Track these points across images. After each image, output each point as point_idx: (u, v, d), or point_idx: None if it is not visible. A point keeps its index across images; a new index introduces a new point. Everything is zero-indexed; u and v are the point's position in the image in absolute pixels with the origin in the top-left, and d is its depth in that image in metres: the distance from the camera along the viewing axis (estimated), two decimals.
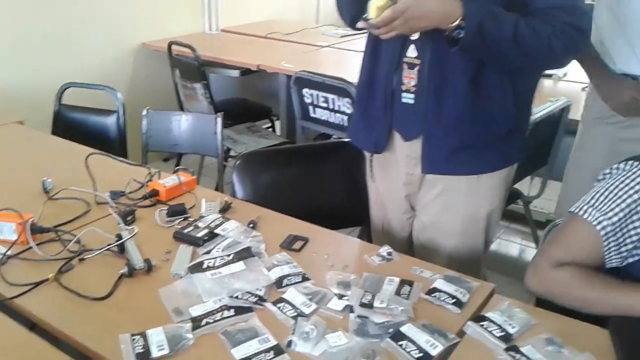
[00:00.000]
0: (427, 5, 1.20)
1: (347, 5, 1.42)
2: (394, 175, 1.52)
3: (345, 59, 3.35)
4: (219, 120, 2.29)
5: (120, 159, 1.73)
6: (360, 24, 1.25)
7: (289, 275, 1.22)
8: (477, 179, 1.44)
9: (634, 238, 1.10)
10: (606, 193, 1.13)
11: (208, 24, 4.12)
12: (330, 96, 2.62)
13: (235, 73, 3.35)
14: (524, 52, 1.25)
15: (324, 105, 2.67)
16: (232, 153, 3.22)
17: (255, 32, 4.00)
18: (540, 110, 2.12)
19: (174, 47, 3.27)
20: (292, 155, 1.80)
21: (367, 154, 1.58)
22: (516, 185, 2.39)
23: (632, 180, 1.11)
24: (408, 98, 1.40)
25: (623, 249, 1.11)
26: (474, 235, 1.50)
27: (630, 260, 1.12)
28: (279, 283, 1.20)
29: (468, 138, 1.38)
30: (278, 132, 3.56)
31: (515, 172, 2.13)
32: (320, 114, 2.72)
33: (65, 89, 2.54)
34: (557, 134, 2.31)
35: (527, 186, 2.80)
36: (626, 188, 1.11)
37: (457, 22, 1.20)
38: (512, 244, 3.01)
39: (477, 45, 1.23)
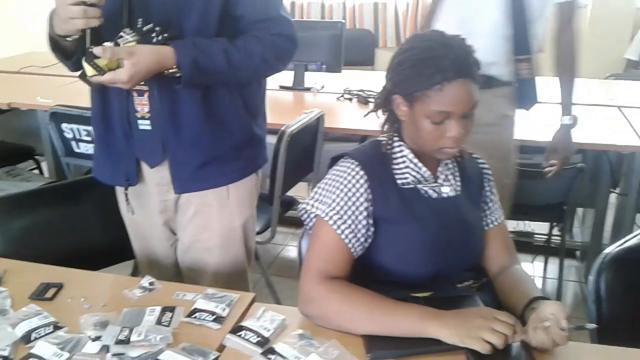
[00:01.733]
0: (145, 66, 1.25)
1: (65, 62, 1.39)
2: (150, 205, 1.51)
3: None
4: None
5: None
6: (81, 80, 1.23)
7: (37, 327, 1.13)
8: (226, 191, 1.49)
9: (362, 229, 1.23)
10: (326, 187, 1.26)
11: None
12: (91, 128, 2.50)
13: None
14: (241, 73, 1.38)
15: (88, 138, 2.54)
16: None
17: (7, 67, 3.66)
18: (296, 122, 2.27)
19: None
20: (42, 197, 1.67)
21: (119, 188, 1.54)
22: (290, 193, 2.52)
23: (341, 177, 1.25)
24: (145, 125, 1.41)
25: (360, 237, 1.24)
26: (233, 247, 1.55)
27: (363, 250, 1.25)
28: (26, 338, 1.11)
29: (210, 153, 1.44)
30: (46, 173, 3.29)
31: (285, 180, 2.26)
32: (85, 148, 2.57)
33: None
34: (317, 142, 2.49)
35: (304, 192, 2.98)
36: (337, 184, 1.24)
37: (173, 70, 1.29)
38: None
39: (197, 80, 1.32)
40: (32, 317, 1.17)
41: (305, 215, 1.28)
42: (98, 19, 1.19)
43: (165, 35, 1.28)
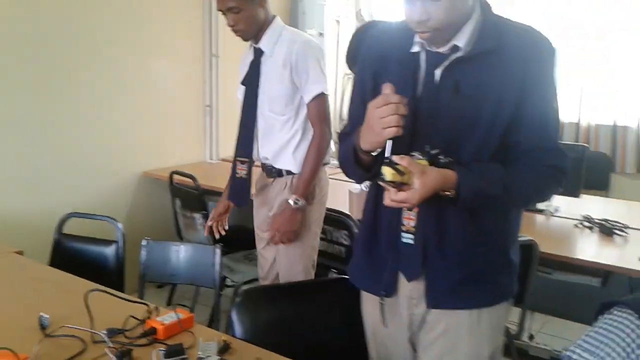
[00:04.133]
0: (432, 187, 1.27)
1: (356, 175, 1.49)
2: (398, 318, 1.51)
3: (341, 190, 3.43)
4: (218, 252, 2.31)
5: (119, 294, 1.71)
6: (380, 182, 1.29)
7: None
8: (479, 315, 1.44)
9: None
10: (599, 338, 1.13)
11: (209, 153, 4.28)
12: (328, 228, 2.66)
13: None
14: (514, 201, 1.38)
15: (322, 236, 2.70)
16: (228, 282, 3.19)
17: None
18: None
19: (175, 176, 3.36)
20: (292, 291, 1.80)
21: (374, 298, 1.54)
22: None
23: (619, 331, 1.12)
24: (408, 238, 1.44)
25: None
26: None
27: None
28: None
29: (469, 272, 1.42)
30: None
31: None
32: (319, 245, 2.74)
33: (66, 219, 2.58)
34: (530, 268, 2.31)
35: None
36: (613, 336, 1.11)
37: (450, 193, 1.31)
38: None
39: (472, 204, 1.33)
40: None
41: None
42: (402, 129, 1.26)
43: (450, 159, 1.33)
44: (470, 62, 1.34)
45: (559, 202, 3.01)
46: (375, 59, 1.45)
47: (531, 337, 3.08)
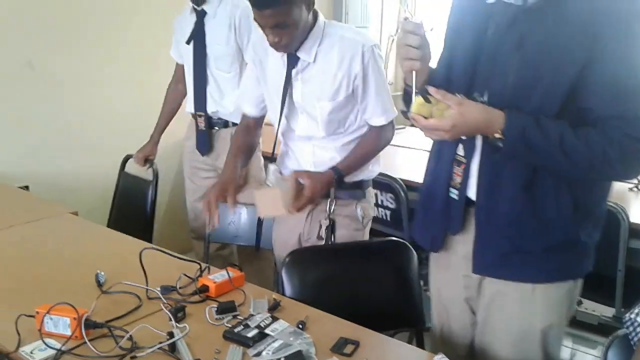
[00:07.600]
0: (472, 119, 1.24)
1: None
2: (454, 278, 1.50)
3: (388, 153, 3.37)
4: None
5: (172, 253, 1.75)
6: (403, 116, 1.30)
7: None
8: (532, 289, 1.37)
9: None
10: None
11: None
12: (373, 191, 2.63)
13: None
14: (573, 161, 1.23)
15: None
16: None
17: None
18: None
19: None
20: (341, 252, 1.81)
21: (434, 255, 1.56)
22: None
23: None
24: (454, 194, 1.42)
25: None
26: (528, 350, 1.41)
27: None
28: None
29: (519, 243, 1.34)
30: None
31: None
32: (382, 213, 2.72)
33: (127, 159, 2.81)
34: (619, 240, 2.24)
35: None
36: None
37: (497, 136, 1.24)
38: (562, 348, 2.87)
39: (520, 153, 1.25)
40: None
41: (631, 326, 1.14)
42: (418, 63, 1.26)
43: None
44: (538, 14, 1.23)
45: None
46: (456, 12, 1.44)
47: (579, 302, 3.03)
